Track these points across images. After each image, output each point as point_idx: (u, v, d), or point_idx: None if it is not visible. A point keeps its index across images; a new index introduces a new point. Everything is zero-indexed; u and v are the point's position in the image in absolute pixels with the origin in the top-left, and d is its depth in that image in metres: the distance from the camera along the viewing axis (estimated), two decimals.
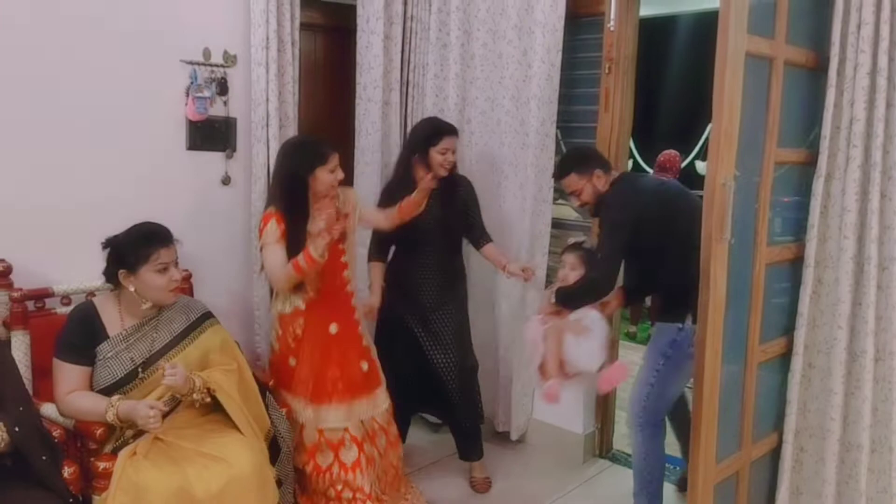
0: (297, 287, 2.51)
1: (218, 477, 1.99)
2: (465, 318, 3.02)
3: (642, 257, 2.58)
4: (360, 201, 2.74)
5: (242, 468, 2.03)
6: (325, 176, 2.48)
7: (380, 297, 2.89)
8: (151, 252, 2.10)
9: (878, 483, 2.35)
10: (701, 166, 7.03)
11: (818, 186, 2.37)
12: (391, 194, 2.86)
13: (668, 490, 2.88)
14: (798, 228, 2.51)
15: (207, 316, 2.31)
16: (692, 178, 7.11)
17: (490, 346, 3.35)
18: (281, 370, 2.60)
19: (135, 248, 2.11)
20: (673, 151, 5.56)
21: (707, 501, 2.22)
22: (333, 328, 2.57)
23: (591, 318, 2.51)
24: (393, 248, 3.02)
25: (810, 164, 2.43)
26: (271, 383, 2.46)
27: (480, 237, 2.99)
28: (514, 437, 3.37)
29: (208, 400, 2.14)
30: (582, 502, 2.94)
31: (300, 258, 2.33)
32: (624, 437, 3.19)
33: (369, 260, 2.99)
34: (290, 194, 2.45)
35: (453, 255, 2.99)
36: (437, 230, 2.87)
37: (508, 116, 3.25)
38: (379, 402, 2.69)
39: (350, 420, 2.57)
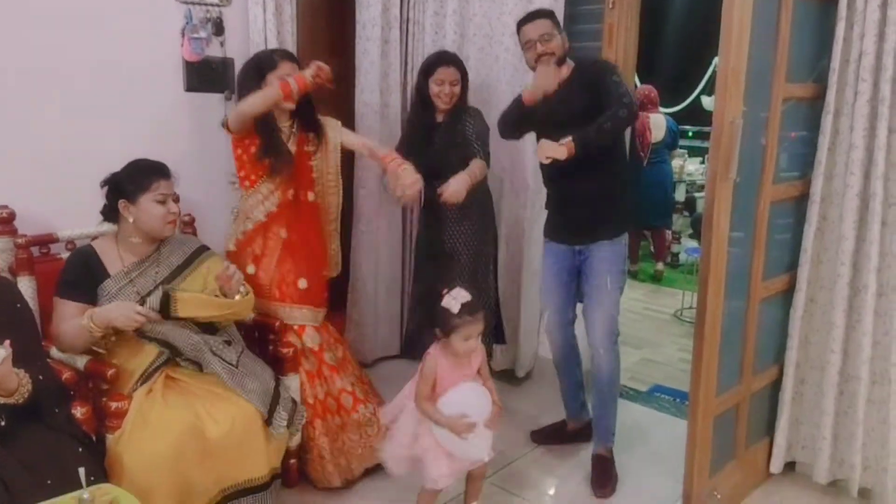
0: (264, 200, 2.54)
1: (226, 414, 2.06)
2: (479, 254, 2.99)
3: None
4: (339, 130, 2.69)
5: (249, 405, 2.11)
6: (275, 82, 2.47)
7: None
8: (152, 181, 2.15)
9: (877, 414, 2.41)
10: (707, 101, 6.95)
11: (826, 123, 2.35)
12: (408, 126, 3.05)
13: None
14: (804, 165, 2.49)
15: (203, 249, 2.35)
16: (698, 114, 7.03)
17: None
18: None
19: (134, 177, 2.16)
20: (649, 86, 5.54)
21: (706, 433, 2.27)
22: (283, 233, 2.58)
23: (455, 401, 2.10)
24: None
25: (818, 98, 2.40)
26: (278, 324, 2.49)
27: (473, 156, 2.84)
28: (519, 374, 3.43)
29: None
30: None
31: (291, 81, 2.39)
32: (626, 370, 3.22)
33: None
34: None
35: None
36: (444, 164, 2.83)
37: (508, 53, 3.20)
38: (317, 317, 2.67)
39: (315, 321, 2.61)
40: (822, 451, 2.47)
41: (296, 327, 2.57)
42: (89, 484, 1.58)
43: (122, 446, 1.95)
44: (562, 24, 3.02)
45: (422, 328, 3.07)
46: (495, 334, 3.19)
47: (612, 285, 2.58)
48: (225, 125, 2.50)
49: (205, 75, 2.80)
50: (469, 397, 2.13)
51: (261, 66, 2.51)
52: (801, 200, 2.47)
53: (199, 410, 2.03)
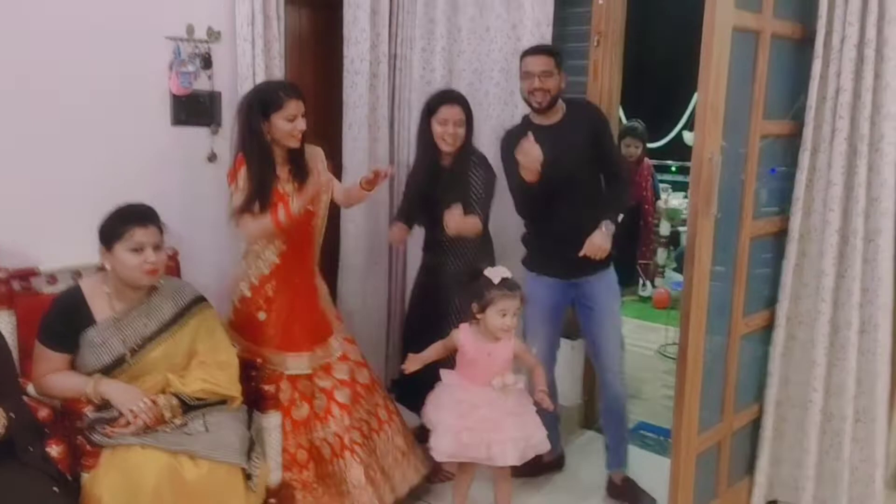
0: (271, 241, 2.56)
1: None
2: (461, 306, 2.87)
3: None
4: (331, 186, 2.71)
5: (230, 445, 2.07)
6: (281, 124, 2.44)
7: (403, 229, 2.97)
8: (126, 230, 2.07)
9: (861, 452, 2.40)
10: (688, 136, 7.03)
11: (804, 159, 2.38)
12: (413, 170, 3.01)
13: None
14: (782, 200, 2.51)
15: (198, 301, 2.27)
16: (681, 149, 7.10)
17: None
18: (247, 325, 2.58)
19: (111, 224, 2.09)
20: None
21: (689, 471, 2.26)
22: (295, 279, 2.60)
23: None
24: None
25: (796, 135, 2.43)
26: (259, 361, 2.46)
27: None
28: None
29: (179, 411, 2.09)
30: (572, 471, 3.01)
31: (280, 214, 2.37)
32: None
33: (391, 224, 3.10)
34: (251, 141, 2.44)
35: (464, 239, 2.85)
36: (440, 210, 2.80)
37: (497, 88, 3.25)
38: (332, 350, 2.69)
39: (311, 366, 2.61)
40: (806, 490, 2.45)
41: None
42: None
43: (97, 486, 1.91)
44: None
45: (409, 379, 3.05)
46: None
47: (618, 310, 2.72)
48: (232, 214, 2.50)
49: (192, 109, 2.81)
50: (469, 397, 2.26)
51: (265, 105, 2.43)
52: (781, 236, 2.49)
53: (178, 451, 1.99)
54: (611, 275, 2.71)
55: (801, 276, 2.45)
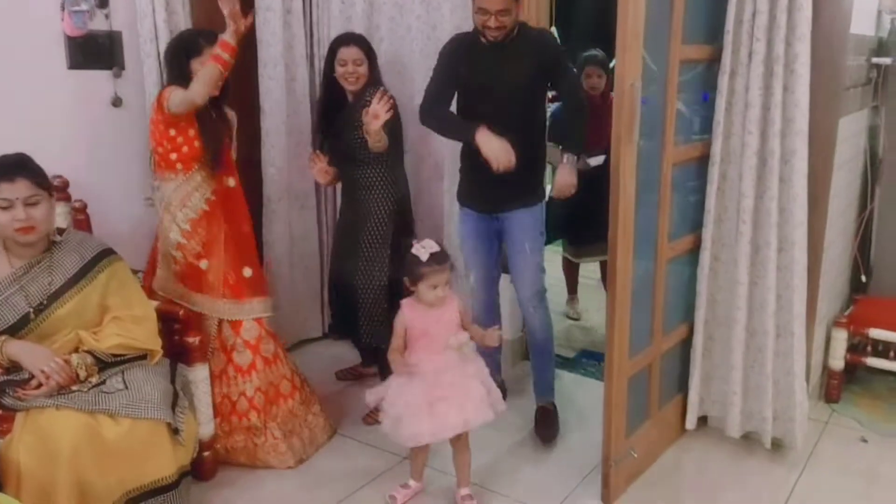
0: (199, 187, 2.48)
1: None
2: (369, 233, 2.86)
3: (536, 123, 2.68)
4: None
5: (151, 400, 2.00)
6: (199, 69, 2.38)
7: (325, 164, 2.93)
8: None
9: (783, 365, 2.50)
10: None
11: (723, 83, 2.39)
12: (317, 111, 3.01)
13: None
14: (708, 127, 2.53)
15: (105, 254, 2.15)
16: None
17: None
18: (190, 275, 2.51)
19: None
20: None
21: (621, 394, 2.31)
22: (225, 225, 2.56)
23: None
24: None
25: (715, 60, 2.43)
26: (182, 313, 2.37)
27: None
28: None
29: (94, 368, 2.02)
30: (511, 399, 2.96)
31: (217, 50, 2.29)
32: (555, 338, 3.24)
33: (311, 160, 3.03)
34: (177, 81, 2.42)
35: (359, 170, 2.84)
36: (354, 146, 2.79)
37: (420, 22, 3.14)
38: (267, 307, 2.67)
39: (265, 311, 2.63)
40: (734, 405, 2.55)
41: (231, 321, 2.54)
42: None
43: (13, 451, 1.84)
44: None
45: (339, 309, 3.04)
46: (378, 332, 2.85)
47: (532, 249, 2.67)
48: (159, 106, 2.40)
49: (90, 51, 2.64)
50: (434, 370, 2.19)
51: (187, 51, 2.45)
52: (704, 161, 2.51)
53: (96, 411, 1.92)
54: (530, 213, 2.65)
55: (722, 198, 2.49)
